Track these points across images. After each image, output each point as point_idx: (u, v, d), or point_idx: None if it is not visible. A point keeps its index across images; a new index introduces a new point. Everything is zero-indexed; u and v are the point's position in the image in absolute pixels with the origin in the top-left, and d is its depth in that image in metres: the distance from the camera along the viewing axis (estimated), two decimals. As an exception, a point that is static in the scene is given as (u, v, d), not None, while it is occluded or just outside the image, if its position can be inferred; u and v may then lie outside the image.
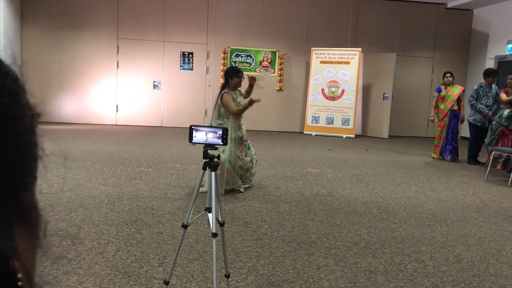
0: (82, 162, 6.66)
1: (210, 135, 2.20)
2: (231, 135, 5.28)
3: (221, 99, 5.24)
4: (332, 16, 12.25)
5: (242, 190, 5.37)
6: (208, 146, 2.23)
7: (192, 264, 3.24)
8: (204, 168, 2.32)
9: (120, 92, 11.78)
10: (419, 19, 12.51)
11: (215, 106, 5.38)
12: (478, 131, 8.18)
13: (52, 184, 5.28)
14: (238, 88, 5.50)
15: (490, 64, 11.73)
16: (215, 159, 2.28)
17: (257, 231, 4.05)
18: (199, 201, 4.82)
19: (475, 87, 8.18)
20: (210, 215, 2.34)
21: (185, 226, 2.41)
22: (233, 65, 5.48)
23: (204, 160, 2.30)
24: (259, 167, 6.47)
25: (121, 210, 4.44)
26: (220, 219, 2.46)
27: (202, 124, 2.58)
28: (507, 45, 11.00)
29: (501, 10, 11.41)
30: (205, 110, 12.05)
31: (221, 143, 2.23)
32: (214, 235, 2.33)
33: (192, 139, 2.22)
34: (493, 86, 8.13)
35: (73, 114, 11.68)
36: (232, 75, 5.33)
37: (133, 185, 5.48)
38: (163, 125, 11.99)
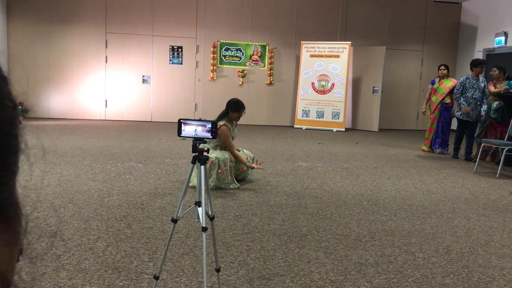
0: (71, 158, 6.60)
1: (199, 128, 2.19)
2: (218, 154, 5.28)
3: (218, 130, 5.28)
4: (322, 9, 12.24)
5: (238, 186, 5.35)
6: (197, 140, 2.22)
7: (182, 258, 3.23)
8: (193, 162, 2.31)
9: (109, 87, 11.69)
10: (408, 12, 12.55)
11: None
12: (463, 126, 7.92)
13: (40, 180, 5.23)
14: (236, 121, 5.56)
15: (479, 56, 11.79)
16: (204, 153, 2.27)
17: (247, 225, 4.05)
18: (190, 196, 4.81)
19: (461, 79, 7.88)
20: (199, 209, 2.33)
21: (174, 221, 2.39)
22: (238, 99, 5.47)
23: (193, 154, 2.28)
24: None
25: (111, 206, 4.41)
26: (210, 213, 2.45)
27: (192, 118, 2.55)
28: (495, 37, 11.07)
29: (489, 3, 11.47)
30: (195, 105, 12.00)
31: (210, 137, 2.22)
32: (204, 229, 2.32)
33: (181, 133, 2.21)
34: (481, 78, 7.84)
35: (62, 109, 11.58)
36: (234, 109, 5.36)
37: (122, 180, 5.45)
38: (152, 120, 11.93)
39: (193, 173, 5.35)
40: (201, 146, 2.35)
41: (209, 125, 2.19)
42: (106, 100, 11.72)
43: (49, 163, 6.20)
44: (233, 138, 5.46)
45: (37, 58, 11.33)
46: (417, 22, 12.63)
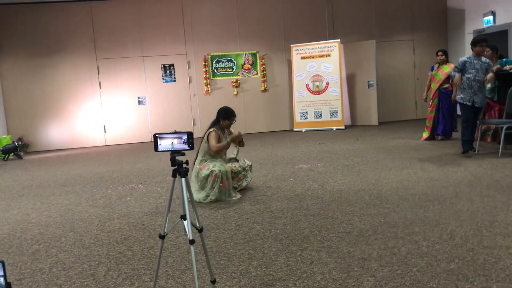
0: (71, 187, 6.61)
1: (175, 141, 2.17)
2: (221, 167, 5.25)
3: (207, 136, 5.27)
4: (307, 10, 12.24)
5: (239, 196, 5.32)
6: (175, 153, 2.20)
7: (183, 274, 3.20)
8: (173, 176, 2.29)
9: (106, 112, 11.73)
10: (394, 2, 12.52)
11: (201, 141, 5.38)
12: (469, 111, 6.87)
13: (42, 212, 5.23)
14: (228, 129, 5.53)
15: (470, 39, 11.70)
16: (184, 165, 2.25)
17: (249, 233, 4.02)
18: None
19: (463, 58, 6.94)
20: (185, 222, 2.30)
21: (162, 237, 2.37)
22: (228, 107, 5.45)
23: (173, 168, 2.26)
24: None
25: (112, 230, 4.40)
26: (197, 225, 2.42)
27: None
28: (484, 18, 11.02)
29: (473, -16, 11.44)
30: (193, 120, 12.01)
31: (188, 148, 2.20)
32: (192, 241, 2.29)
33: (157, 148, 2.19)
34: (483, 58, 6.92)
35: (61, 140, 11.63)
36: (224, 117, 5.37)
37: (123, 203, 5.44)
38: (152, 140, 11.92)
39: (193, 188, 5.34)
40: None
41: (185, 136, 2.18)
42: (104, 126, 11.76)
43: (50, 194, 6.21)
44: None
45: (31, 92, 11.41)
46: (404, 11, 12.61)
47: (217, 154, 5.36)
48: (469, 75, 6.83)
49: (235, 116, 5.42)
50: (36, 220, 4.94)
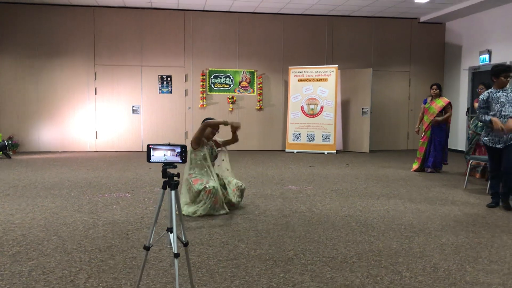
0: (58, 190, 6.55)
1: (168, 153, 2.18)
2: (214, 184, 5.24)
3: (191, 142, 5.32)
4: (308, 34, 12.40)
5: (227, 211, 5.31)
6: (167, 164, 2.21)
7: None
8: (164, 187, 2.28)
9: (99, 118, 11.71)
10: (393, 34, 12.73)
11: (188, 153, 5.39)
12: (496, 156, 5.81)
13: (26, 214, 5.18)
14: (214, 139, 5.52)
15: (465, 75, 11.93)
16: (175, 177, 2.25)
17: (233, 251, 3.99)
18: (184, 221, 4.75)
19: (484, 95, 5.84)
20: (171, 235, 2.29)
21: (147, 248, 2.35)
22: (212, 117, 5.47)
23: (164, 179, 2.26)
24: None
25: (96, 237, 4.35)
26: (183, 239, 2.41)
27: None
28: (480, 56, 11.22)
29: (472, 22, 11.67)
30: (186, 132, 12.01)
31: (180, 161, 2.21)
32: (176, 255, 2.28)
33: (150, 159, 2.20)
34: (509, 88, 5.79)
35: (52, 142, 11.56)
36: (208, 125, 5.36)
37: (109, 210, 5.40)
38: (143, 150, 11.90)
39: (182, 201, 5.32)
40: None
41: (178, 149, 2.19)
42: (96, 132, 11.72)
43: (36, 196, 6.15)
44: (215, 157, 5.47)
45: (27, 92, 11.37)
46: (402, 43, 12.81)
47: (200, 142, 5.26)
48: (493, 112, 5.72)
49: (218, 127, 5.43)
50: (19, 221, 4.88)
